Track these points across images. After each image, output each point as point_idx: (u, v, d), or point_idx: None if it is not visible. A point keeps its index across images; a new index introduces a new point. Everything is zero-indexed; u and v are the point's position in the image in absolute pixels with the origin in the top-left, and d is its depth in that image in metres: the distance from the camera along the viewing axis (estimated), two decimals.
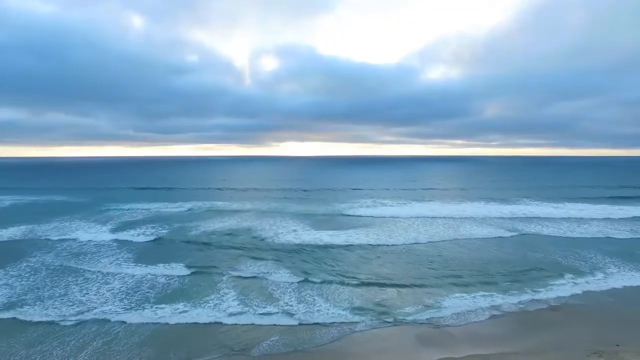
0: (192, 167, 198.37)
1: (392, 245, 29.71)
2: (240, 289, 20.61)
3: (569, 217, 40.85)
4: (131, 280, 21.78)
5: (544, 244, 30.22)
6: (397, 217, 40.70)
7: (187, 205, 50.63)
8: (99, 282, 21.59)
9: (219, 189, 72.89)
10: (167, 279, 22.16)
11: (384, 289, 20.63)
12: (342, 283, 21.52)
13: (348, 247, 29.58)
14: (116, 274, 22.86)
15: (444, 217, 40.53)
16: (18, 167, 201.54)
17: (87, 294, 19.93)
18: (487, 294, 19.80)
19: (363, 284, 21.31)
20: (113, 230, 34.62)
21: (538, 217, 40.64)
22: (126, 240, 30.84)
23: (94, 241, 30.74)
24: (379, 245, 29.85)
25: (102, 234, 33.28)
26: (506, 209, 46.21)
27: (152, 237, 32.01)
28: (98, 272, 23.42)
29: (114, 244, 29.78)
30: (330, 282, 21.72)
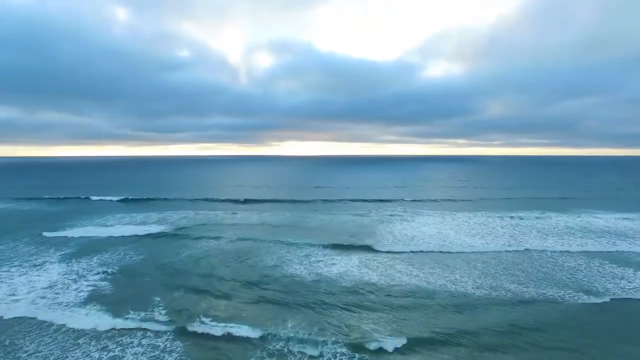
0: (190, 168, 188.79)
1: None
2: None
3: None
4: None
5: None
6: (458, 246, 29.19)
7: (176, 217, 40.94)
8: None
9: (213, 199, 62.70)
10: None
11: None
12: None
13: (409, 299, 19.93)
14: None
15: (539, 250, 27.70)
16: (6, 168, 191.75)
17: None
18: None
19: None
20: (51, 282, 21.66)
21: None
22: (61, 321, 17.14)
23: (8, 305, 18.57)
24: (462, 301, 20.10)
25: (27, 287, 20.74)
26: (594, 224, 36.49)
27: (102, 299, 19.42)
28: None
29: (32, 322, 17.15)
30: None
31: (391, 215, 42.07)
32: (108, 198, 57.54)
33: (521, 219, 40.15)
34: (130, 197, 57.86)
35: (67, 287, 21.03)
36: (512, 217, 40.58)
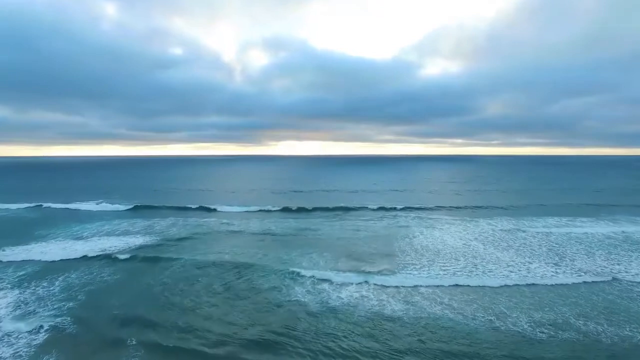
0: (185, 168, 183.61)
1: None
2: None
3: None
4: None
5: None
6: (493, 265, 25.29)
7: (163, 224, 36.17)
8: None
9: (206, 204, 58.10)
10: None
11: None
12: None
13: None
14: None
15: (592, 271, 22.77)
16: None
17: None
18: None
19: None
20: None
21: None
22: None
23: None
24: None
25: None
26: (637, 234, 31.87)
27: None
28: None
29: None
30: None
31: (407, 224, 37.20)
32: (90, 203, 52.55)
33: (552, 226, 35.69)
34: (114, 202, 52.98)
35: (13, 332, 16.29)
36: (542, 225, 36.11)
